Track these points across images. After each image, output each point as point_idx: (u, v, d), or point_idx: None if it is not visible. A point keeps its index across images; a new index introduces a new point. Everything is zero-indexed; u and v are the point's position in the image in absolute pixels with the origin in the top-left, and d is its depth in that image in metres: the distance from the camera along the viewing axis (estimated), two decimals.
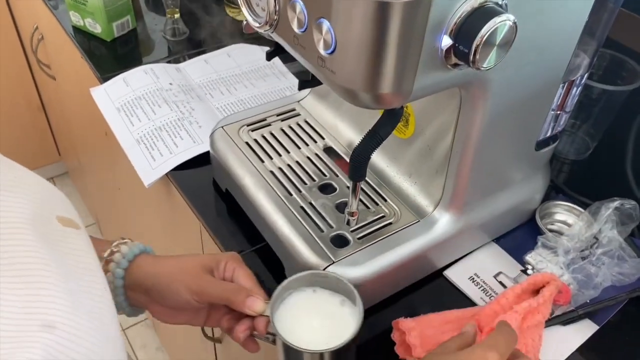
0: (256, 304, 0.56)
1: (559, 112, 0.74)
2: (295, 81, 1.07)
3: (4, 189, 0.40)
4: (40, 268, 0.37)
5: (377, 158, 0.78)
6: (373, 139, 0.58)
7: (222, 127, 0.83)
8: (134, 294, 0.59)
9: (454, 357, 0.53)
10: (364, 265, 0.66)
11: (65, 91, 1.50)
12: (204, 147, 0.89)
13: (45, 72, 1.60)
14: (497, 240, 0.81)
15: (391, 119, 0.58)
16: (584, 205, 0.81)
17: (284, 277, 0.72)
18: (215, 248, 0.80)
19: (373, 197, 0.75)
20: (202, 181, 0.87)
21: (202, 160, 0.89)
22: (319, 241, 0.68)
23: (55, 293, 0.36)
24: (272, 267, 0.75)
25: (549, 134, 0.74)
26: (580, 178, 0.94)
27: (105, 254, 0.59)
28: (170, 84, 1.00)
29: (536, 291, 0.71)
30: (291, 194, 0.74)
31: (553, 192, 0.89)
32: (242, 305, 0.56)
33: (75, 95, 1.35)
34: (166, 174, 0.88)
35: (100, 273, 0.44)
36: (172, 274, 0.58)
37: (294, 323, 0.57)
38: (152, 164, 0.88)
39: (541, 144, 0.74)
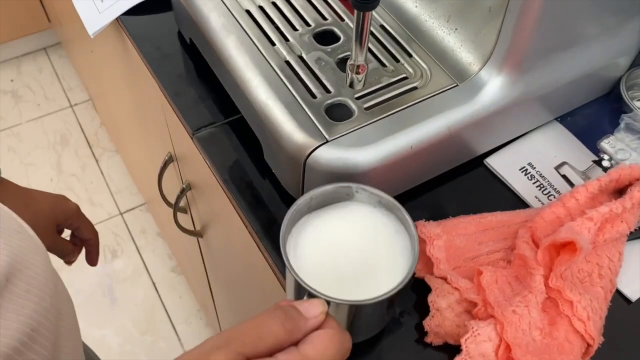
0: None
1: None
2: None
3: None
4: None
5: None
6: None
7: None
8: None
9: None
10: (373, 147, 0.46)
11: None
12: None
13: None
14: (563, 119, 0.58)
15: None
16: None
17: (263, 159, 0.52)
18: (176, 120, 0.60)
19: (393, 50, 0.52)
20: (165, 32, 0.65)
21: (166, 4, 0.66)
22: (308, 111, 0.47)
23: None
24: (250, 145, 0.55)
25: None
26: None
27: None
28: None
29: (619, 191, 0.50)
30: (274, 43, 0.52)
31: None
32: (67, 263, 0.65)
33: None
34: (120, 22, 0.66)
35: None
36: None
37: (312, 254, 0.39)
38: (99, 6, 0.66)
39: None
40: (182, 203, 0.82)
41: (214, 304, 1.08)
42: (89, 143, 1.80)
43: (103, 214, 1.65)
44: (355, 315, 0.39)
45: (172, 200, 0.76)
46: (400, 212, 0.40)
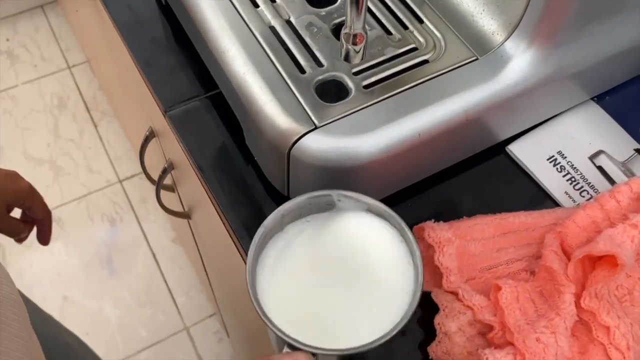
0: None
1: None
2: None
3: None
4: None
5: None
6: None
7: None
8: None
9: None
10: (372, 134, 0.38)
11: None
12: None
13: None
14: (600, 99, 0.50)
15: None
16: None
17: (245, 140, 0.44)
18: (148, 95, 0.52)
19: (400, 14, 0.44)
20: None
21: None
22: (294, 89, 0.39)
23: None
24: (233, 124, 0.47)
25: None
26: None
27: None
28: None
29: None
30: (257, 5, 0.43)
31: None
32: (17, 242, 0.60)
33: None
34: None
35: None
36: None
37: (290, 284, 0.32)
38: None
39: None
40: (169, 181, 0.75)
41: (209, 282, 1.03)
42: (87, 107, 1.72)
43: (101, 182, 1.59)
44: None
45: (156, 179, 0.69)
46: (394, 220, 0.32)
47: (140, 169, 1.65)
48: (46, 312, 0.65)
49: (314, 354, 0.28)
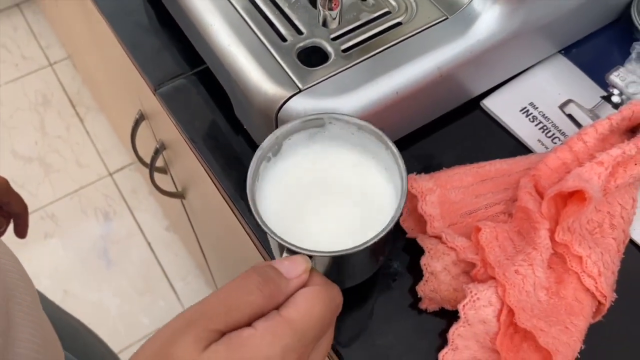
0: None
1: None
2: None
3: None
4: None
5: None
6: None
7: None
8: None
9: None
10: (353, 94, 0.40)
11: None
12: None
13: None
14: (567, 52, 0.53)
15: None
16: None
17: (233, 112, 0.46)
18: (136, 78, 0.54)
19: None
20: None
21: None
22: (277, 56, 0.41)
23: None
24: (221, 98, 0.49)
25: None
26: None
27: None
28: None
29: (632, 130, 0.45)
30: None
31: None
32: None
33: None
34: None
35: None
36: None
37: (288, 198, 0.36)
38: None
39: None
40: (160, 163, 0.77)
41: (207, 263, 1.05)
42: (71, 102, 1.73)
43: (92, 176, 1.60)
44: (342, 264, 0.35)
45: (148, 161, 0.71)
46: (381, 138, 0.36)
47: (129, 160, 1.67)
48: (50, 299, 0.67)
49: (310, 257, 0.31)
